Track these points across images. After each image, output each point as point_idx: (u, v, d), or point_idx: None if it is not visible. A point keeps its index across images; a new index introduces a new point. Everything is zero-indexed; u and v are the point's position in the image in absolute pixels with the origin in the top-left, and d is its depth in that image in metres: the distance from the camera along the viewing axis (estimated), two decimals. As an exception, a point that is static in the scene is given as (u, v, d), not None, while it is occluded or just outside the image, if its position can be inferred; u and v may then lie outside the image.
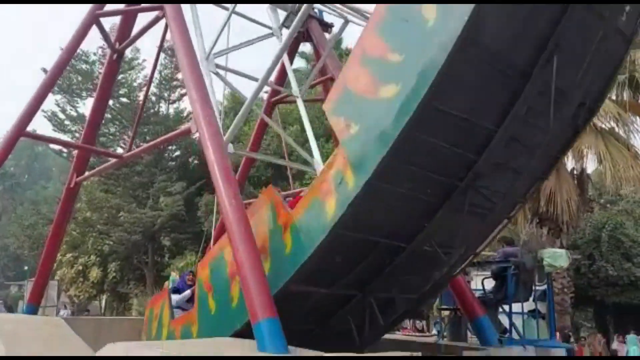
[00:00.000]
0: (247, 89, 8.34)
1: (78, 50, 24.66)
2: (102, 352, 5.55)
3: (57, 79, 9.52)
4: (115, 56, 9.90)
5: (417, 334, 11.38)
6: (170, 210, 22.68)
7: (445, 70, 4.51)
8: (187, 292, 8.53)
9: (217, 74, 8.88)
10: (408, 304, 6.28)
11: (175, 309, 8.38)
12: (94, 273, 24.49)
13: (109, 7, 9.23)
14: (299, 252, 5.45)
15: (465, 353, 5.90)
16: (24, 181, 60.86)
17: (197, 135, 7.99)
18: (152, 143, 8.51)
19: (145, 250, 24.69)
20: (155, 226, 22.81)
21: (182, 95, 26.34)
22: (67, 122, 25.46)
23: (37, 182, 58.31)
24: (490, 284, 7.75)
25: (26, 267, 39.14)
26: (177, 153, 25.99)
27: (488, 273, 7.77)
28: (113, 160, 8.61)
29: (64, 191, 10.85)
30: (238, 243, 5.45)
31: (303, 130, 20.51)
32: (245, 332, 5.42)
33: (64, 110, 25.50)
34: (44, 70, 24.91)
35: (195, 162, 26.36)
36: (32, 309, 11.14)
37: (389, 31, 5.17)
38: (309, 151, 9.43)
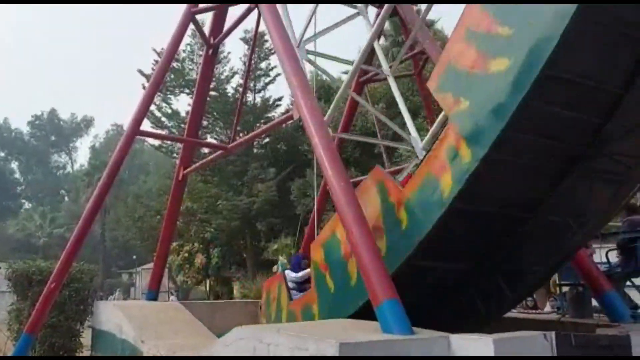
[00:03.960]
0: (330, 69, 8.43)
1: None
2: (229, 335, 5.83)
3: (163, 78, 10.04)
4: (210, 51, 10.24)
5: (528, 311, 10.90)
6: (265, 196, 23.40)
7: (563, 40, 4.24)
8: (306, 271, 8.66)
9: (309, 61, 8.92)
10: (536, 277, 6.00)
11: (292, 290, 8.64)
12: (199, 259, 25.93)
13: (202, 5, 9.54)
14: (416, 228, 5.41)
15: (599, 331, 5.53)
16: (125, 177, 65.42)
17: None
18: (255, 132, 8.78)
19: (244, 235, 25.73)
20: (251, 212, 23.67)
21: (267, 84, 26.92)
22: (163, 119, 26.92)
23: (137, 177, 62.29)
24: (615, 256, 7.21)
25: (134, 257, 42.28)
26: (267, 140, 26.66)
27: (612, 245, 7.24)
28: (219, 151, 8.95)
29: (173, 184, 11.50)
30: (351, 225, 5.45)
31: (388, 107, 20.19)
32: (365, 312, 5.48)
33: (159, 108, 26.96)
34: (141, 72, 26.54)
35: (284, 148, 26.91)
36: (153, 295, 11.99)
37: (496, 5, 4.97)
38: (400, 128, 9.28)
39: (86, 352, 11.61)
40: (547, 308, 12.34)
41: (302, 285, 8.64)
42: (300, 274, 8.64)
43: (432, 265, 5.61)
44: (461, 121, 5.14)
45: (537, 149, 4.96)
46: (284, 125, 22.05)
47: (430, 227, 5.21)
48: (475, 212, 5.19)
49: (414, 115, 20.02)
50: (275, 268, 12.36)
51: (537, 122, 4.84)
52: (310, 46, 9.68)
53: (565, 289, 7.90)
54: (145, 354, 8.10)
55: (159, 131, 27.03)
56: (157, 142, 27.40)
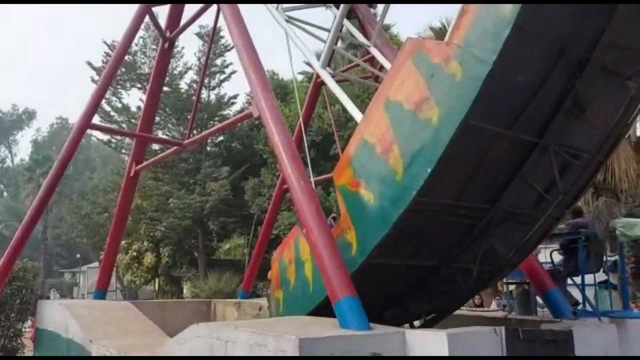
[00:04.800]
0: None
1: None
2: (184, 333, 5.75)
3: (117, 71, 9.76)
4: (166, 45, 10.05)
5: (475, 309, 11.29)
6: (218, 195, 23.10)
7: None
8: None
9: (289, 20, 8.69)
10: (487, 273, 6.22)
11: None
12: (148, 258, 25.31)
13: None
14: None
15: (543, 326, 5.82)
16: (70, 173, 62.92)
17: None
18: (212, 129, 8.67)
19: (196, 234, 25.31)
20: (204, 211, 23.33)
21: (222, 81, 26.59)
22: (113, 114, 26.11)
23: (83, 173, 60.14)
24: (558, 257, 7.59)
25: (78, 255, 40.78)
26: (221, 138, 26.34)
27: (555, 246, 7.60)
28: (173, 147, 8.78)
29: (124, 180, 11.20)
30: (310, 224, 5.51)
31: (344, 110, 20.37)
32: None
33: (109, 102, 26.12)
34: (90, 65, 25.64)
35: (239, 147, 26.67)
36: (101, 294, 11.63)
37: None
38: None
39: (28, 353, 11.14)
40: (493, 306, 12.83)
41: None
42: None
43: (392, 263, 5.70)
44: None
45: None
46: (239, 123, 21.84)
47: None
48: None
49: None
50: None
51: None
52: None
53: (511, 287, 8.26)
54: (94, 354, 7.85)
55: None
56: (105, 137, 26.57)
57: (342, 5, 8.16)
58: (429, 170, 4.80)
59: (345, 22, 9.21)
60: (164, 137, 23.63)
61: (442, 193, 5.12)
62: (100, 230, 24.55)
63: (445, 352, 4.36)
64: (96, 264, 38.44)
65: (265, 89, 6.81)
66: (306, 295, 6.36)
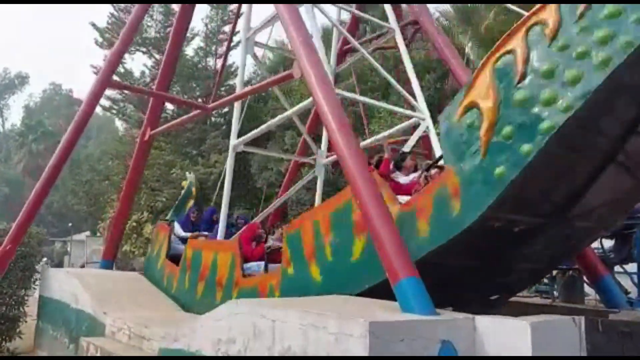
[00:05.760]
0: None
1: (122, 6, 24.31)
2: (220, 310, 5.26)
3: (136, 30, 9.07)
4: (188, 2, 9.35)
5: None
6: (222, 167, 22.43)
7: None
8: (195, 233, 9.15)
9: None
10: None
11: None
12: (148, 229, 24.70)
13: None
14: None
15: (611, 317, 5.39)
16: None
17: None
18: (240, 93, 8.02)
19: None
20: (208, 182, 22.69)
21: (230, 49, 25.66)
22: (115, 78, 25.17)
23: (77, 140, 59.02)
24: (608, 242, 7.16)
25: (70, 224, 40.10)
26: (226, 109, 25.57)
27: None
28: (195, 111, 8.16)
29: (137, 145, 10.60)
30: (364, 196, 4.99)
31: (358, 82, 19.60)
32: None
33: (111, 66, 25.21)
34: (94, 25, 24.66)
35: (244, 119, 25.89)
36: (108, 264, 11.14)
37: None
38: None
39: (31, 322, 10.65)
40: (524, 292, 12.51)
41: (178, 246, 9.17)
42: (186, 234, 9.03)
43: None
44: None
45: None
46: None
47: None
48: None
49: (384, 94, 19.64)
50: (184, 184, 11.59)
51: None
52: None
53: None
54: (109, 327, 7.38)
55: (109, 91, 25.44)
56: (107, 103, 25.69)
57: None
58: None
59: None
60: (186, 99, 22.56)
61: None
62: (100, 198, 23.90)
63: (527, 344, 3.89)
64: (85, 233, 37.86)
65: (308, 47, 6.22)
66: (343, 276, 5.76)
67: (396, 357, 3.72)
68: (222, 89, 24.29)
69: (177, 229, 9.71)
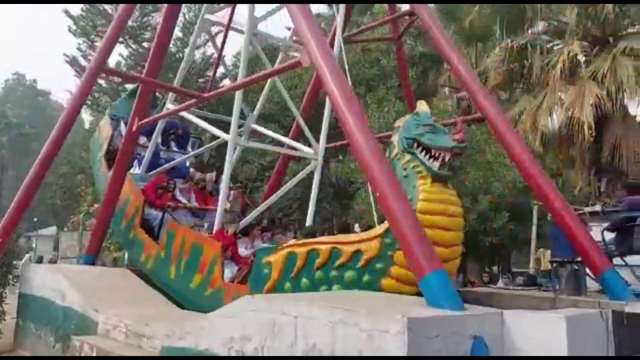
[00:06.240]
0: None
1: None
2: (233, 306, 5.06)
3: (131, 14, 8.65)
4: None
5: (485, 287, 11.02)
6: (201, 160, 21.99)
7: None
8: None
9: None
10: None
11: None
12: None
13: None
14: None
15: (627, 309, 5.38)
16: (32, 132, 59.62)
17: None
18: (244, 80, 7.73)
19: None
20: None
21: (207, 40, 25.12)
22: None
23: (41, 133, 57.30)
24: (609, 235, 7.21)
25: (35, 219, 38.74)
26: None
27: (605, 224, 7.22)
28: (191, 100, 7.83)
29: (125, 136, 10.20)
30: (384, 187, 4.84)
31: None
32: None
33: (85, 56, 24.39)
34: (66, 12, 23.71)
35: (223, 111, 25.46)
36: (91, 260, 10.72)
37: None
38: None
39: (10, 320, 10.16)
40: (500, 284, 12.64)
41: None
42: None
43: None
44: None
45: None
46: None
47: None
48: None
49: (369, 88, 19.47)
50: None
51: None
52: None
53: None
54: (102, 325, 7.06)
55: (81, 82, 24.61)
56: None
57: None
58: None
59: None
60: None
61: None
62: (74, 191, 23.09)
63: (562, 337, 3.83)
64: (52, 229, 36.61)
65: (317, 34, 6.03)
66: None
67: (433, 357, 3.60)
68: (201, 80, 23.81)
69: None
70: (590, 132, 13.28)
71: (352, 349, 3.81)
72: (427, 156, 5.55)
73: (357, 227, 10.56)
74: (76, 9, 23.92)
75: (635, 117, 14.93)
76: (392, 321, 3.59)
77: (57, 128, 8.17)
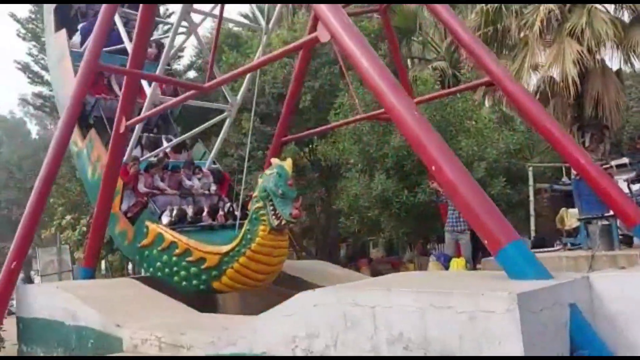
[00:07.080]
0: None
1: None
2: (293, 302, 4.70)
3: (115, 10, 7.96)
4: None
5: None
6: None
7: None
8: None
9: None
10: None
11: None
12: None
13: None
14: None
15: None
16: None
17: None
18: (242, 69, 7.24)
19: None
20: (163, 175, 21.42)
21: (166, 32, 24.13)
22: (43, 72, 23.03)
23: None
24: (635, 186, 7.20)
25: (-5, 238, 36.91)
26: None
27: (629, 175, 7.20)
28: (190, 91, 7.29)
29: (112, 138, 9.53)
30: (440, 160, 4.54)
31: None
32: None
33: (37, 61, 23.00)
34: (13, 16, 22.26)
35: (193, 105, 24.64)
36: (89, 274, 10.10)
37: None
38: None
39: (10, 347, 9.48)
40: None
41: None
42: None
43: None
44: None
45: None
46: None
47: None
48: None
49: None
50: None
51: None
52: None
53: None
54: (128, 341, 6.57)
55: (38, 88, 23.37)
56: (38, 102, 23.47)
57: None
58: None
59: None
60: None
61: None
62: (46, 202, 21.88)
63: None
64: (8, 243, 34.97)
65: (336, 8, 5.65)
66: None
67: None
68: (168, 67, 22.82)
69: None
70: (575, 86, 13.39)
71: (450, 334, 3.54)
72: (272, 212, 6.90)
73: None
74: (24, 10, 22.51)
75: (613, 70, 15.17)
76: (497, 299, 3.34)
77: (58, 135, 7.54)
